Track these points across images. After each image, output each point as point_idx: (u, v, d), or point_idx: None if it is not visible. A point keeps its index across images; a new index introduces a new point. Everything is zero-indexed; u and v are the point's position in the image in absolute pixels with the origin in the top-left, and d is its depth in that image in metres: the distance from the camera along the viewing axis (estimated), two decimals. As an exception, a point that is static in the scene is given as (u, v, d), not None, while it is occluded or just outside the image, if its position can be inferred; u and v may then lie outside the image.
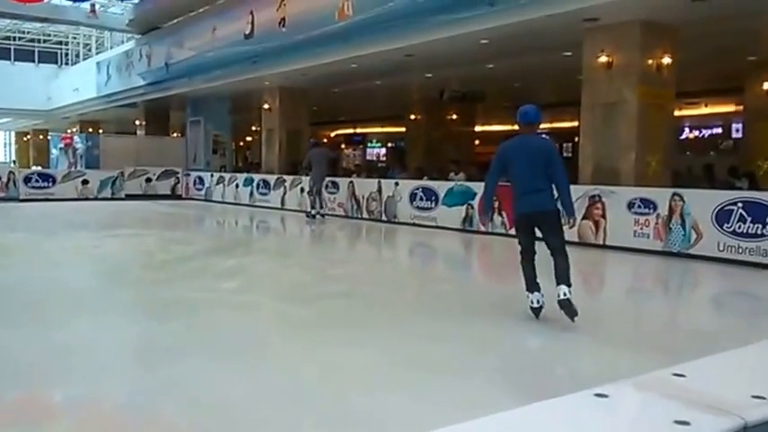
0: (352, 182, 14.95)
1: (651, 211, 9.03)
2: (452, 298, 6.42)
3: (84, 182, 19.83)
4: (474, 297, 6.56)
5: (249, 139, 31.54)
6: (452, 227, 12.12)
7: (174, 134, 27.41)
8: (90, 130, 30.69)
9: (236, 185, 19.01)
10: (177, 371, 3.89)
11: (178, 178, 21.55)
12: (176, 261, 8.73)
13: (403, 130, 22.72)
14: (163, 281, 7.20)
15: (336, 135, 31.36)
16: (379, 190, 13.98)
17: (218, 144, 22.42)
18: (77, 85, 27.89)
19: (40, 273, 7.58)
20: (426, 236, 11.85)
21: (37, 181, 19.31)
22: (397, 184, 13.73)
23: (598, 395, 1.17)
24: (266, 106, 18.74)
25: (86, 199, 19.55)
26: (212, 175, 20.45)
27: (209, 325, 5.11)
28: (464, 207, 11.95)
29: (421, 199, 12.91)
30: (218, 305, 5.88)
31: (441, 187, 12.61)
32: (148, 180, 21.04)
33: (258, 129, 25.36)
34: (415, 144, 20.77)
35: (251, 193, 18.27)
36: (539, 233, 4.86)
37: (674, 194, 8.86)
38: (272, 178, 17.60)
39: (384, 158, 29.13)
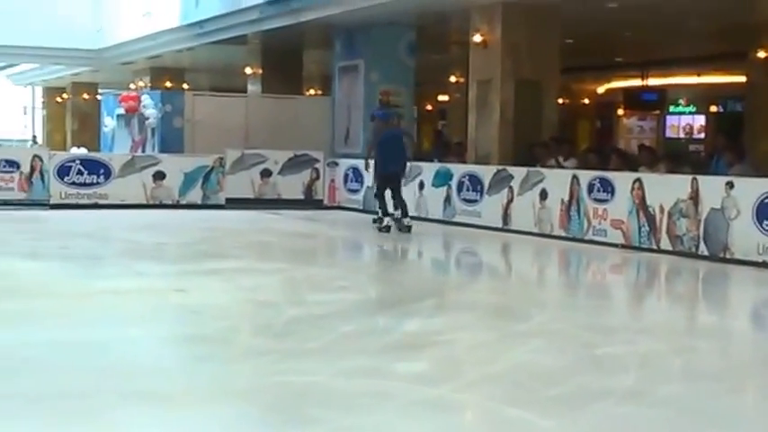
0: (638, 180, 14.76)
1: None
2: None
3: (159, 175, 21.14)
4: None
5: (444, 98, 32.10)
6: None
7: (311, 91, 28.55)
8: (168, 84, 32.80)
9: (420, 185, 19.38)
10: None
11: (317, 170, 22.36)
12: (316, 320, 9.03)
13: (742, 80, 21.98)
14: (293, 356, 7.50)
15: (608, 90, 31.08)
16: (695, 197, 13.71)
17: (390, 108, 22.98)
18: (149, 5, 29.89)
19: (78, 335, 8.18)
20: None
21: (79, 173, 20.73)
22: (730, 185, 13.39)
23: None
24: (478, 38, 18.96)
25: (160, 206, 20.90)
26: (378, 166, 21.04)
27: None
28: None
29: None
30: (390, 403, 6.04)
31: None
32: (266, 173, 21.99)
33: (462, 81, 25.73)
34: (766, 107, 20.06)
35: (447, 199, 18.58)
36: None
37: None
38: (486, 172, 17.82)
39: (701, 135, 28.36)
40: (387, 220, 16.57)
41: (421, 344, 8.14)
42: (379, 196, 17.00)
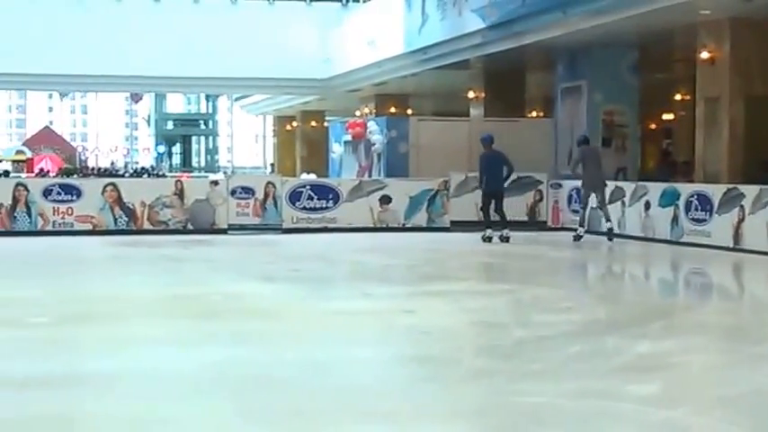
0: None
1: None
2: None
3: (385, 199, 21.61)
4: None
5: (669, 117, 31.46)
6: None
7: (533, 113, 28.43)
8: (393, 110, 33.29)
9: (646, 205, 19.09)
10: None
11: (541, 192, 22.35)
12: (542, 342, 8.97)
13: None
14: (521, 377, 7.45)
15: None
16: None
17: (614, 129, 22.71)
18: (373, 34, 30.54)
19: (309, 355, 8.36)
20: None
21: (309, 198, 21.49)
22: None
23: None
24: (704, 55, 18.59)
25: (387, 229, 21.31)
26: (602, 186, 20.80)
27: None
28: None
29: None
30: (623, 424, 5.96)
31: None
32: (489, 196, 22.10)
33: (687, 99, 25.13)
34: None
35: (674, 220, 18.21)
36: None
37: None
38: (715, 191, 17.37)
39: None
40: (488, 232, 18.84)
41: (652, 366, 7.97)
42: (485, 211, 19.16)
